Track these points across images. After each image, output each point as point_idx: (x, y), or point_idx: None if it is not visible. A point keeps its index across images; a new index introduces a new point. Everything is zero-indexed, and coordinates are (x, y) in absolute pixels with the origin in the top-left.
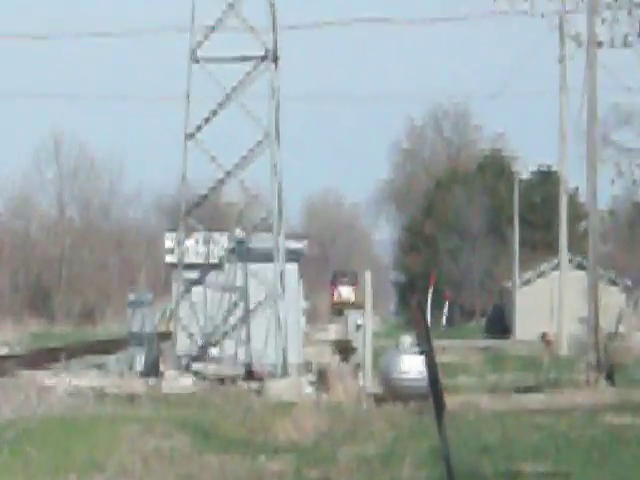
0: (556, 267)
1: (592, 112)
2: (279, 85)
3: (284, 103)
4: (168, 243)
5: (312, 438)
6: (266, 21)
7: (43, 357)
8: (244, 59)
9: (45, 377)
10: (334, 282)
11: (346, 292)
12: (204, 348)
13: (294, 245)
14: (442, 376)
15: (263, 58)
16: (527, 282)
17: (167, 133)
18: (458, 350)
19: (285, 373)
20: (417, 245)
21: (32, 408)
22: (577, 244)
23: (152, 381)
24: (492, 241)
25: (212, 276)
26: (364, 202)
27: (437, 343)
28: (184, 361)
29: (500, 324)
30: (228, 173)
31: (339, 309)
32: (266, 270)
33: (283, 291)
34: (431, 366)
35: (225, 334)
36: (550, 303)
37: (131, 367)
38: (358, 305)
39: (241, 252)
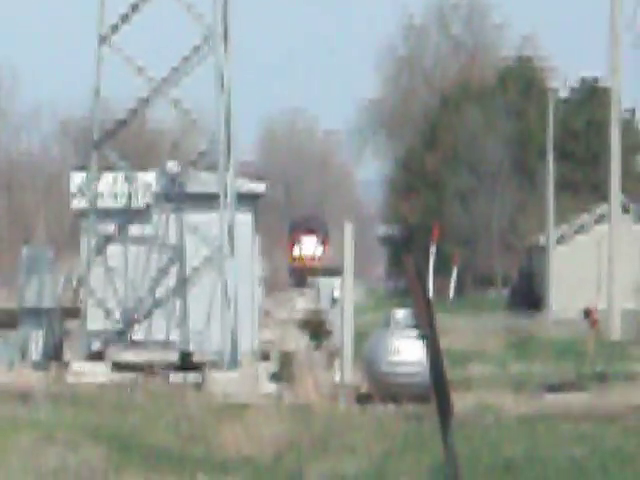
0: (605, 218)
1: None
2: None
3: None
4: (75, 183)
5: (271, 451)
6: None
7: None
8: None
9: None
10: (294, 233)
11: (310, 246)
12: (124, 328)
13: (248, 187)
14: (449, 367)
15: None
16: (566, 238)
17: (74, 33)
18: (471, 331)
19: (235, 362)
20: (415, 187)
21: None
22: (634, 186)
23: (53, 372)
24: (518, 182)
25: (135, 229)
26: (343, 129)
27: (442, 321)
28: (97, 346)
29: (529, 296)
30: (157, 89)
31: (300, 273)
32: (209, 222)
33: (232, 251)
34: (433, 353)
35: (153, 309)
36: (597, 267)
37: (24, 354)
38: (329, 268)
39: (175, 196)
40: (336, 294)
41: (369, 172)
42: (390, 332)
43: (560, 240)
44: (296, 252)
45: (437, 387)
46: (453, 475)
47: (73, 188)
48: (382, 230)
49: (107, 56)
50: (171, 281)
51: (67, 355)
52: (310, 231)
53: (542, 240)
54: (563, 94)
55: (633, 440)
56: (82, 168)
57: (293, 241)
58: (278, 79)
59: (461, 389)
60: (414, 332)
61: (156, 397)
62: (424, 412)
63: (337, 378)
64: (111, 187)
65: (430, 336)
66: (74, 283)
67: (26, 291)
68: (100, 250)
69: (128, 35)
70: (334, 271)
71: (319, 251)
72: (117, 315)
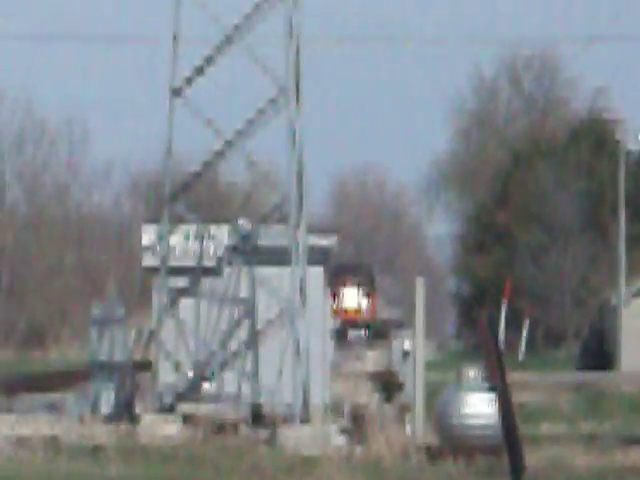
0: None
1: None
2: (300, 22)
3: (307, 47)
4: (147, 239)
5: None
6: None
7: None
8: None
9: None
10: (336, 281)
11: (352, 297)
12: (195, 383)
13: (319, 242)
14: (520, 422)
15: None
16: (638, 294)
17: (147, 88)
18: (542, 387)
19: (306, 417)
20: (487, 243)
21: None
22: None
23: (124, 427)
24: (590, 238)
25: (207, 284)
26: (414, 184)
27: (513, 377)
28: (168, 400)
29: (600, 352)
30: (229, 143)
31: (341, 327)
32: (280, 276)
33: (303, 305)
34: (505, 409)
35: (224, 364)
36: None
37: (95, 409)
38: (376, 321)
39: (246, 251)
40: (407, 348)
41: (440, 227)
42: (462, 389)
43: (636, 295)
44: (337, 303)
45: (508, 441)
46: None
47: (145, 242)
48: (453, 286)
49: (179, 109)
50: (242, 335)
51: (138, 409)
52: (351, 282)
53: (613, 296)
54: (636, 148)
55: None
56: (154, 221)
57: (335, 291)
58: (350, 133)
59: (532, 445)
60: (486, 387)
61: (227, 451)
62: (496, 467)
63: (409, 433)
64: (183, 241)
65: (501, 390)
66: (145, 337)
67: (97, 345)
68: (172, 304)
69: (200, 89)
70: (396, 324)
71: (363, 304)
72: (188, 369)
